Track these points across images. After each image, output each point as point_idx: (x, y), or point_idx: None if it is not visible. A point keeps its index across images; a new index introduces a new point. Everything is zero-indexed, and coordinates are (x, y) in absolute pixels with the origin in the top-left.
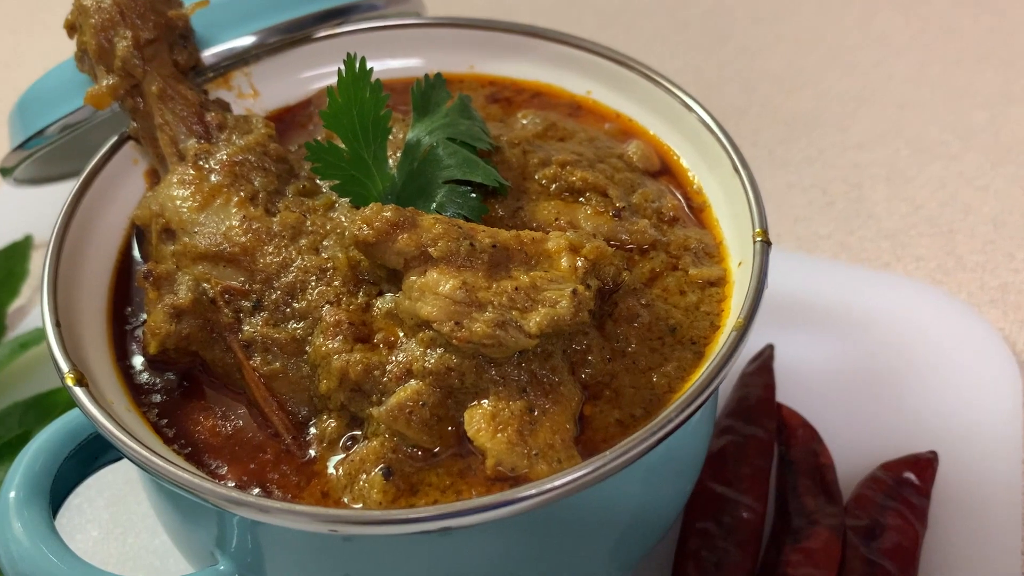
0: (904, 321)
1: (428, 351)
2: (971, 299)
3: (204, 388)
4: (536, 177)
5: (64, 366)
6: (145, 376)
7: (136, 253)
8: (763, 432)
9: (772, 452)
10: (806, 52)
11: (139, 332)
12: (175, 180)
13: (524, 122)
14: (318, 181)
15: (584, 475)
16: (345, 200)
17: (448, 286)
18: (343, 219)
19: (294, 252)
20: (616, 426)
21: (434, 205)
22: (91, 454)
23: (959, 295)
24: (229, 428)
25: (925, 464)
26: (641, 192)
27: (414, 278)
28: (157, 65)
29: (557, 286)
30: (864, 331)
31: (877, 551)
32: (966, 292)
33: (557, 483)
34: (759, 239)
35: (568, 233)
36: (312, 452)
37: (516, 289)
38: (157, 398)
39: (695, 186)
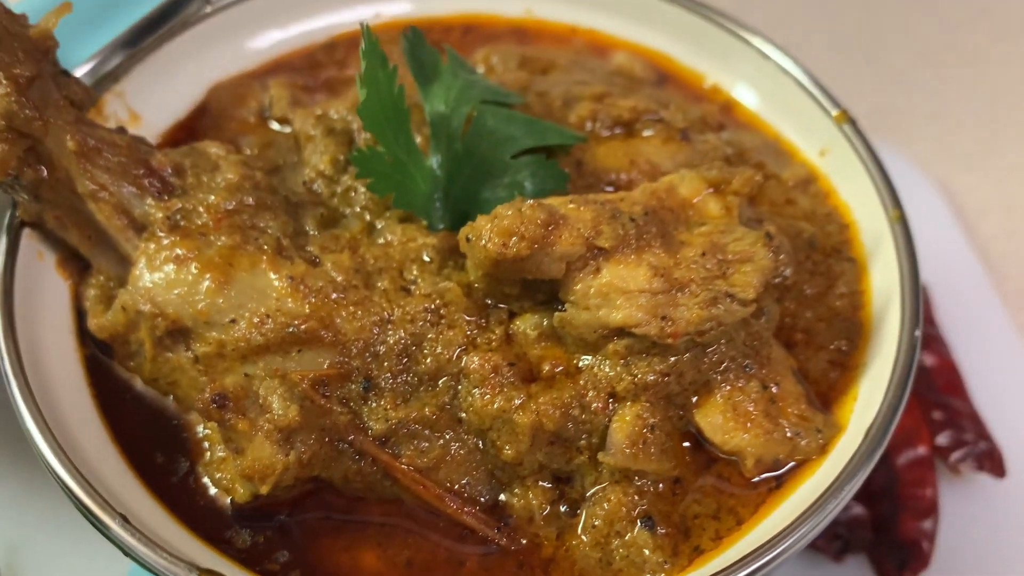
0: None
1: (629, 363)
2: None
3: (329, 515)
4: (571, 121)
5: None
6: (248, 536)
7: (124, 376)
8: None
9: None
10: None
11: (193, 481)
12: (159, 261)
13: (493, 61)
14: (328, 203)
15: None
16: (388, 215)
17: (641, 277)
18: (399, 238)
19: (383, 302)
20: (832, 368)
21: (504, 183)
22: None
23: None
24: (406, 554)
25: None
26: (674, 105)
27: (589, 281)
28: (54, 112)
29: (733, 236)
30: None
31: None
32: None
33: None
34: (843, 124)
35: (683, 171)
36: (523, 540)
37: (703, 255)
38: (285, 557)
39: (708, 85)
